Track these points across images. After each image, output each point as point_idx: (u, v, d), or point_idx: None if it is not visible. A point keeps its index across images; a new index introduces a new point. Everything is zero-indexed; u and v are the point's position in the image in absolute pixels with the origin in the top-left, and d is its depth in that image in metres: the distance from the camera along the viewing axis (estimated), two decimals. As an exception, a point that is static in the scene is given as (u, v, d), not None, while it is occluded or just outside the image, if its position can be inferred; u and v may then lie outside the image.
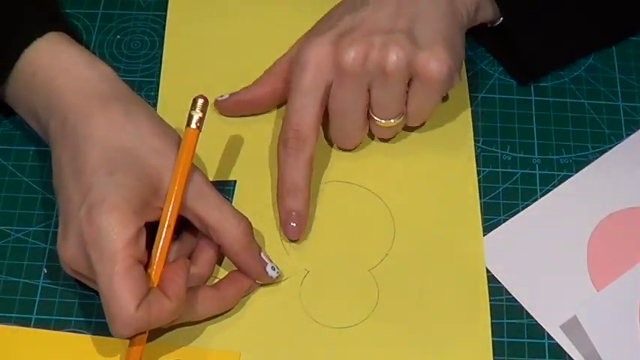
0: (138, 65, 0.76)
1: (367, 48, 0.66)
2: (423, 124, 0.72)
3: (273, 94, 0.73)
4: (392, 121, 0.69)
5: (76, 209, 0.60)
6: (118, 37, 0.77)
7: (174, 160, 0.62)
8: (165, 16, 0.78)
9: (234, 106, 0.73)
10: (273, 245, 0.68)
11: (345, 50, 0.66)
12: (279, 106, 0.74)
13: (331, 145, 0.72)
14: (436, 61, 0.65)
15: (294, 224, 0.67)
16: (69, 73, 0.64)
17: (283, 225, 0.68)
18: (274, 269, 0.65)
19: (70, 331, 0.65)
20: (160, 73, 0.75)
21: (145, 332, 0.61)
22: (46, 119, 0.65)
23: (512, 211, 0.70)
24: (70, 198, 0.61)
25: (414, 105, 0.69)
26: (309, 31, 0.72)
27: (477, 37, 0.75)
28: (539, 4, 0.72)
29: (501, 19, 0.72)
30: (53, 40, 0.66)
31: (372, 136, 0.72)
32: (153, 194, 0.62)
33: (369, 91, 0.67)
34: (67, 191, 0.62)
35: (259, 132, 0.73)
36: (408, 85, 0.67)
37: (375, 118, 0.69)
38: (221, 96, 0.72)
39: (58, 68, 0.65)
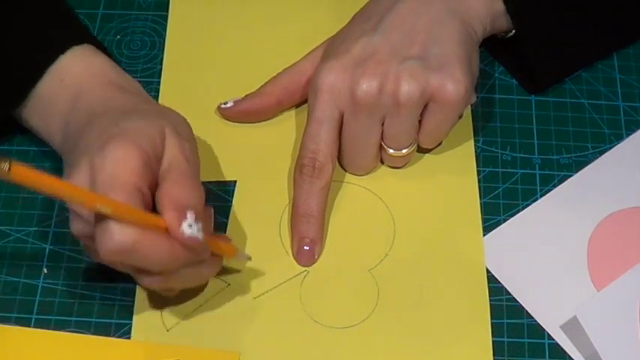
0: (138, 65, 0.76)
1: (381, 80, 0.65)
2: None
3: (278, 106, 0.73)
4: (403, 151, 0.69)
5: (82, 154, 0.60)
6: (118, 37, 0.77)
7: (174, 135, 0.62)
8: (166, 16, 0.79)
9: (238, 115, 0.73)
10: (273, 245, 0.68)
11: (359, 82, 0.65)
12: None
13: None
14: (453, 82, 0.65)
15: (307, 249, 0.67)
16: (100, 77, 0.66)
17: (296, 251, 0.67)
18: (191, 227, 0.58)
19: (70, 331, 0.65)
20: (160, 74, 0.75)
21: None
22: (66, 120, 0.65)
23: (512, 211, 0.70)
24: (77, 152, 0.61)
25: (431, 126, 0.68)
26: (324, 47, 0.71)
27: (487, 47, 0.75)
28: (552, 17, 0.71)
29: (513, 31, 0.72)
30: (86, 51, 0.67)
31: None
32: (158, 138, 0.61)
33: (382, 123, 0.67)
34: (74, 150, 0.61)
35: (260, 132, 0.73)
36: (424, 108, 0.67)
37: (387, 148, 0.69)
38: (225, 103, 0.72)
39: (91, 72, 0.66)
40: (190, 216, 0.58)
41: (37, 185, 0.51)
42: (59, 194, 0.54)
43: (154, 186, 0.59)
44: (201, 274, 0.63)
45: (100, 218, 0.56)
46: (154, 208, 0.59)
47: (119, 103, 0.65)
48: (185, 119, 0.65)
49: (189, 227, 0.57)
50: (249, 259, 0.67)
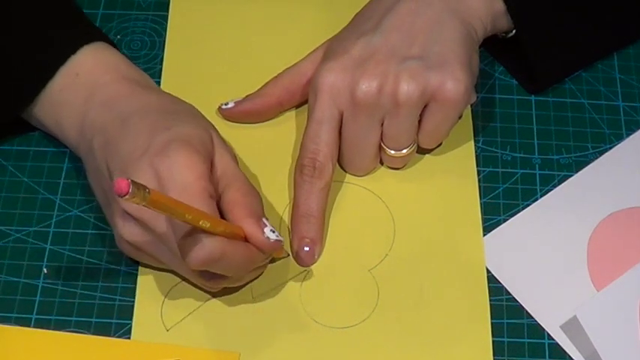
0: (138, 65, 0.76)
1: (381, 80, 0.65)
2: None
3: (279, 106, 0.73)
4: (403, 151, 0.69)
5: (135, 156, 0.61)
6: (118, 37, 0.77)
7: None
8: (166, 16, 0.78)
9: (238, 115, 0.73)
10: (273, 245, 0.68)
11: (358, 82, 0.65)
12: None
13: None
14: (453, 81, 0.65)
15: (307, 249, 0.67)
16: (114, 72, 0.67)
17: (296, 251, 0.67)
18: (274, 232, 0.62)
19: (70, 331, 0.65)
20: (160, 74, 0.75)
21: None
22: (83, 114, 0.66)
23: (512, 211, 0.70)
24: (124, 153, 0.62)
25: (431, 126, 0.68)
26: (325, 48, 0.71)
27: (487, 47, 0.75)
28: (552, 17, 0.71)
29: (513, 31, 0.72)
30: (98, 48, 0.68)
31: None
32: (209, 143, 0.63)
33: (381, 123, 0.67)
34: (119, 151, 0.62)
35: (260, 132, 0.73)
36: (424, 108, 0.67)
37: (386, 149, 0.69)
38: (225, 103, 0.72)
39: (104, 68, 0.67)
40: (267, 222, 0.61)
41: (168, 206, 0.54)
42: (182, 216, 0.56)
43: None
44: (256, 273, 0.66)
45: (186, 229, 0.58)
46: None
47: (150, 102, 0.65)
48: (208, 120, 0.67)
49: (273, 233, 0.61)
50: (289, 255, 0.67)
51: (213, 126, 0.66)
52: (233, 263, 0.59)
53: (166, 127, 0.62)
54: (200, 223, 0.56)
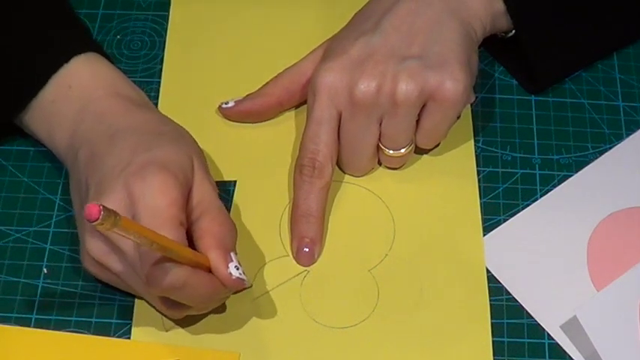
0: (138, 65, 0.76)
1: (380, 80, 0.65)
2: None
3: (279, 106, 0.73)
4: (402, 151, 0.69)
5: (114, 173, 0.61)
6: (118, 37, 0.77)
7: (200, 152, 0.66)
8: (166, 16, 0.79)
9: (238, 114, 0.73)
10: (273, 246, 0.68)
11: (357, 82, 0.65)
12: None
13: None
14: (451, 81, 0.65)
15: (307, 249, 0.67)
16: (109, 87, 0.67)
17: (296, 251, 0.67)
18: (238, 269, 0.61)
19: (70, 331, 0.65)
20: (160, 74, 0.75)
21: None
22: (75, 126, 0.66)
23: (512, 211, 0.70)
24: (105, 168, 0.62)
25: (429, 125, 0.68)
26: (325, 47, 0.71)
27: (487, 47, 0.75)
28: (552, 17, 0.71)
29: (513, 31, 0.72)
30: (92, 59, 0.68)
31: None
32: (189, 170, 0.63)
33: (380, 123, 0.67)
34: (102, 166, 0.62)
35: (260, 132, 0.73)
36: (423, 108, 0.67)
37: (385, 149, 0.69)
38: (225, 103, 0.72)
39: (98, 82, 0.67)
40: (235, 257, 0.60)
41: (138, 233, 0.54)
42: (149, 244, 0.55)
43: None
44: (219, 303, 0.65)
45: (153, 254, 0.57)
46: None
47: (139, 122, 0.65)
48: (197, 143, 0.66)
49: (237, 269, 0.60)
50: (251, 286, 0.67)
51: (199, 150, 0.66)
52: (195, 293, 0.59)
53: (148, 149, 0.62)
54: (166, 252, 0.57)
